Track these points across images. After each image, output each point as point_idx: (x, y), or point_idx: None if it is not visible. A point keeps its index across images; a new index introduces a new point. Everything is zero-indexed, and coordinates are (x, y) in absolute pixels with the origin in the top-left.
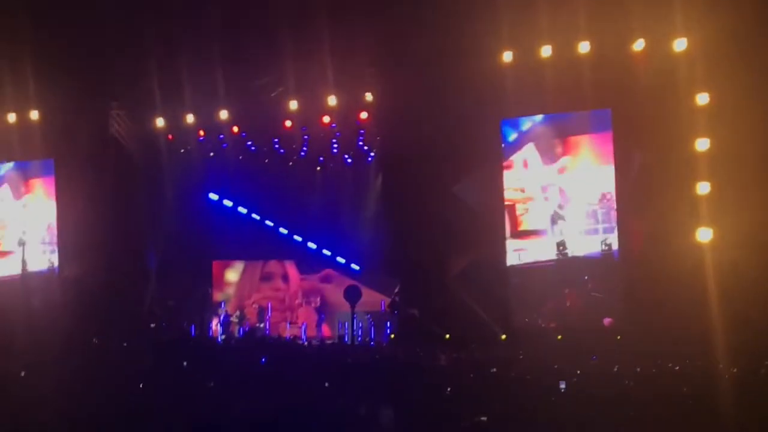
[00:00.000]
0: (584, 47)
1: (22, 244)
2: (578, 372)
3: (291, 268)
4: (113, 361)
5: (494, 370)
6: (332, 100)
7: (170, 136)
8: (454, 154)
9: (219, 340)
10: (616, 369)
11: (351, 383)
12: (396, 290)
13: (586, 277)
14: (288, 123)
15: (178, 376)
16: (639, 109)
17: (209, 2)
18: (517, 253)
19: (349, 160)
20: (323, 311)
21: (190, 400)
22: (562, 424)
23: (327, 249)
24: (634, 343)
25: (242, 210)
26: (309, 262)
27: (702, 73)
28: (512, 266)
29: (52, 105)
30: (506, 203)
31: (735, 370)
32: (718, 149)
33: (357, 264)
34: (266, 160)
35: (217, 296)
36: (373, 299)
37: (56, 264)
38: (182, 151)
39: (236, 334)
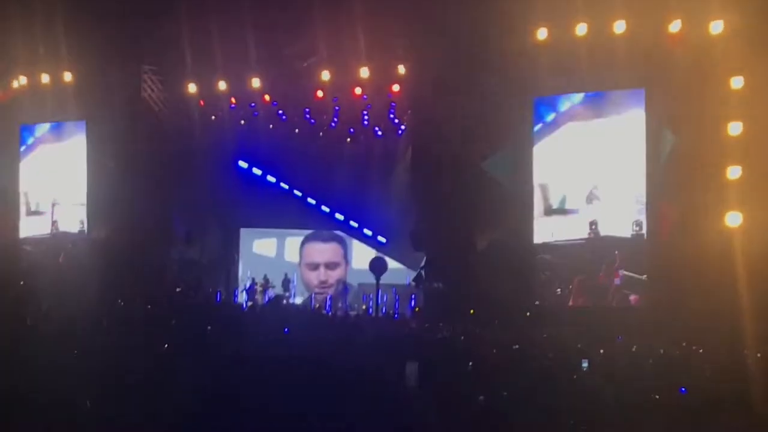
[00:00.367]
0: (620, 27)
1: (53, 204)
2: (601, 351)
3: None
4: (138, 323)
5: (516, 347)
6: (364, 72)
7: (202, 102)
8: (485, 130)
9: (244, 306)
10: (634, 349)
11: (372, 355)
12: (422, 264)
13: (616, 252)
14: (319, 93)
15: (201, 341)
16: (673, 90)
17: None
18: (549, 230)
19: (380, 133)
20: (347, 283)
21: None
22: (582, 403)
23: (354, 220)
24: (660, 325)
25: (271, 179)
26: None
27: (737, 56)
28: (543, 243)
29: (86, 67)
30: (541, 182)
31: (759, 355)
32: (751, 134)
33: (383, 236)
34: (297, 130)
35: (244, 263)
36: (398, 272)
37: (86, 225)
38: (213, 117)
39: (261, 302)
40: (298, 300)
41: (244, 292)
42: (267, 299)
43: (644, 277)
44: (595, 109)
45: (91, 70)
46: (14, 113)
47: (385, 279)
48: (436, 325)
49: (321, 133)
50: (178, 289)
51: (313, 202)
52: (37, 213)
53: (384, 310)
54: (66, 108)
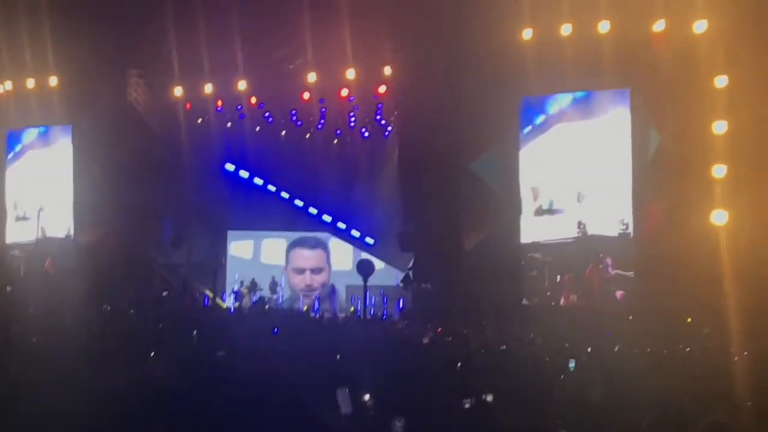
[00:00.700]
0: (604, 26)
1: (40, 209)
2: (588, 350)
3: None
4: (124, 328)
5: (504, 347)
6: (351, 74)
7: (188, 105)
8: (472, 130)
9: (231, 310)
10: (616, 349)
11: (360, 357)
12: (409, 265)
13: (601, 255)
14: (306, 95)
15: (188, 345)
16: (658, 89)
17: None
18: (539, 230)
19: (366, 134)
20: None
21: (199, 369)
22: (569, 403)
23: (342, 222)
24: (647, 323)
25: (258, 181)
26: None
27: (721, 55)
28: (533, 243)
29: (71, 71)
30: (531, 183)
31: (746, 352)
32: (736, 132)
33: (371, 237)
34: (283, 132)
35: (231, 266)
36: (386, 273)
37: (73, 230)
38: (200, 120)
39: (249, 304)
40: (287, 302)
41: (232, 295)
42: (253, 302)
43: (630, 273)
44: (583, 111)
45: (77, 75)
46: (0, 119)
47: (372, 281)
48: (424, 326)
49: (308, 135)
50: (165, 293)
51: (301, 204)
52: (24, 219)
53: (372, 312)
54: (52, 113)
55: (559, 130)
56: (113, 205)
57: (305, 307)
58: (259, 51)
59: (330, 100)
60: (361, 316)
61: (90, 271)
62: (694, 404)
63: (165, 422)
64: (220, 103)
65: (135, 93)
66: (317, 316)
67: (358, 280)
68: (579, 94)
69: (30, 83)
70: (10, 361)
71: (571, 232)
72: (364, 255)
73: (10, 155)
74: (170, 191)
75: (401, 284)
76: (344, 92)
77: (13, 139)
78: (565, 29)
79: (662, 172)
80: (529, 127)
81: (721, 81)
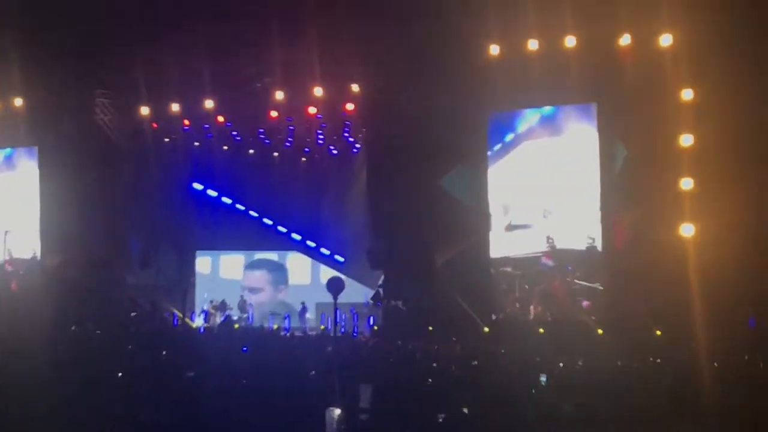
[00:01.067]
0: (570, 41)
1: (6, 232)
2: (561, 365)
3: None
4: (91, 349)
5: (476, 362)
6: (318, 91)
7: (155, 125)
8: (440, 146)
9: (201, 329)
10: (580, 363)
11: (332, 374)
12: (380, 282)
13: (569, 268)
14: (274, 113)
15: (157, 366)
16: (624, 104)
17: None
18: (509, 245)
19: (335, 152)
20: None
21: (170, 389)
22: (542, 418)
23: (311, 240)
24: (617, 336)
25: (226, 200)
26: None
27: (687, 69)
28: (503, 257)
29: (37, 92)
30: (501, 200)
31: (716, 364)
32: (702, 145)
33: (341, 255)
34: (251, 151)
35: (200, 286)
36: (356, 291)
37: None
38: (167, 140)
39: (217, 324)
40: (257, 321)
41: (202, 314)
42: (222, 321)
43: (597, 285)
44: (550, 128)
45: (42, 96)
46: None
47: (343, 298)
48: (394, 343)
49: (276, 153)
50: (133, 314)
51: (270, 222)
52: None
53: (344, 329)
54: (17, 134)
55: (527, 147)
56: (80, 226)
57: (276, 326)
58: (226, 70)
59: (298, 118)
60: (332, 334)
61: (57, 292)
62: (665, 416)
63: None
64: (187, 122)
65: (101, 113)
66: (287, 334)
67: (318, 296)
68: (547, 112)
69: None
70: None
71: (541, 247)
72: (324, 269)
73: None
74: (138, 211)
75: (371, 301)
76: (312, 110)
77: None
78: (532, 44)
79: (629, 186)
80: (499, 145)
81: (686, 94)
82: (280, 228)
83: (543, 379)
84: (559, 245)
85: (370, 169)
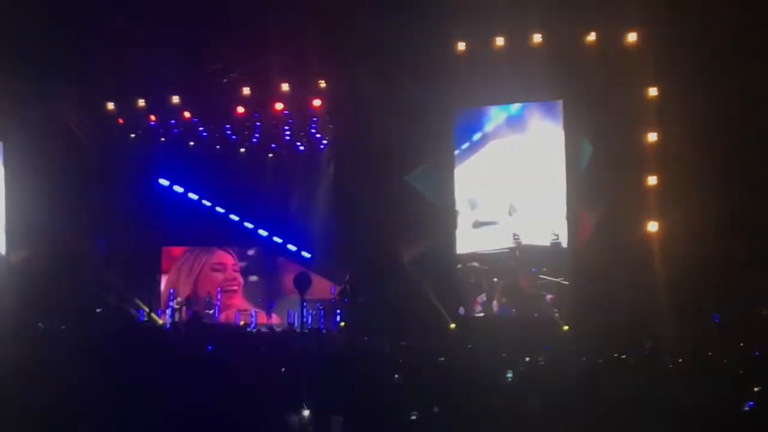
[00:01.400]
0: (537, 38)
1: None
2: (527, 359)
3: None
4: (58, 346)
5: (442, 359)
6: (285, 87)
7: (120, 120)
8: (407, 142)
9: (167, 326)
10: (542, 362)
11: (297, 371)
12: (347, 278)
13: (533, 270)
14: (240, 109)
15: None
16: (590, 100)
17: None
18: (477, 242)
19: (302, 148)
20: (272, 299)
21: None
22: (508, 414)
23: (278, 236)
24: (582, 333)
25: (193, 196)
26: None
27: (653, 65)
28: (470, 253)
29: (1, 88)
30: (468, 197)
31: (680, 360)
32: (667, 142)
33: (308, 251)
34: (218, 146)
35: (166, 282)
36: (323, 287)
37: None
38: (133, 135)
39: (184, 320)
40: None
41: (168, 311)
42: (189, 317)
43: (560, 279)
44: (516, 125)
45: (6, 91)
46: None
47: (310, 294)
48: (362, 339)
49: (242, 149)
50: (99, 310)
51: (236, 218)
52: None
53: (310, 326)
54: None
55: (495, 146)
56: (45, 223)
57: (242, 322)
58: (192, 64)
59: (264, 113)
60: (299, 330)
61: (22, 289)
62: (629, 411)
63: None
64: (153, 117)
65: (66, 108)
66: (254, 330)
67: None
68: (514, 111)
69: None
70: None
71: (507, 243)
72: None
73: None
74: (103, 207)
75: (338, 297)
76: (279, 106)
77: None
78: (499, 41)
79: (595, 183)
80: (467, 144)
81: (652, 91)
82: (247, 224)
83: (509, 375)
84: (524, 241)
85: (337, 165)
